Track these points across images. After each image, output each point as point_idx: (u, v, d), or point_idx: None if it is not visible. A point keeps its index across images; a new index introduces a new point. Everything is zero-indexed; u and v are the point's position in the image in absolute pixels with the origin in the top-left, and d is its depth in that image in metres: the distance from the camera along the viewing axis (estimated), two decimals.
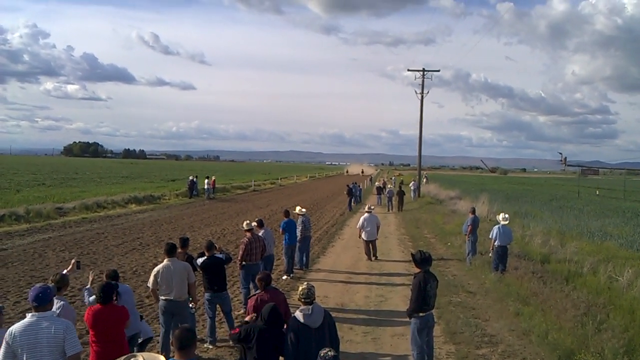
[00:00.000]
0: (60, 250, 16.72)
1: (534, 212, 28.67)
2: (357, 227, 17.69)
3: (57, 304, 6.17)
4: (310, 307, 5.77)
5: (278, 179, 72.12)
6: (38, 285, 4.98)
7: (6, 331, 4.74)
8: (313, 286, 5.97)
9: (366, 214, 17.59)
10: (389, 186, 39.44)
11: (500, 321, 10.26)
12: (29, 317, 4.76)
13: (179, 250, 9.34)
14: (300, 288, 5.93)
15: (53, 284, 6.26)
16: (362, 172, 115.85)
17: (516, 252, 16.37)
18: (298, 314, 5.75)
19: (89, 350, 6.07)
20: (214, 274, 8.81)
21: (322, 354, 4.59)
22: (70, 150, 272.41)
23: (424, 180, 59.60)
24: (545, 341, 8.68)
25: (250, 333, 5.73)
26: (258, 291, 7.00)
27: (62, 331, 4.74)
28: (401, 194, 35.55)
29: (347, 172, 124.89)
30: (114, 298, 6.16)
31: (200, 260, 8.78)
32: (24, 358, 4.63)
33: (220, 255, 9.12)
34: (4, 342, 4.67)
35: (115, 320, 5.90)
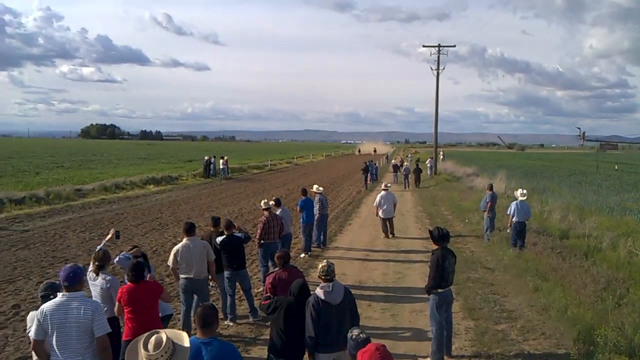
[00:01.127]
0: (81, 231, 16.97)
1: (553, 187, 28.51)
2: (374, 205, 17.70)
3: (105, 279, 6.35)
4: (331, 284, 5.81)
5: (294, 158, 72.26)
6: (69, 265, 5.05)
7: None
8: (333, 263, 6.01)
9: (383, 192, 17.58)
10: (405, 164, 39.37)
11: (519, 297, 10.27)
12: (59, 297, 4.84)
13: (212, 229, 9.49)
14: (320, 265, 5.96)
15: (97, 261, 6.41)
16: (375, 150, 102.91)
17: (535, 228, 16.32)
18: (319, 291, 5.79)
19: (124, 327, 6.18)
20: (233, 252, 8.90)
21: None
22: (88, 133, 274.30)
23: (441, 157, 59.28)
24: (565, 316, 8.68)
25: (279, 307, 5.83)
26: (277, 269, 7.06)
27: (90, 312, 4.82)
28: (418, 171, 35.48)
29: (359, 151, 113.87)
30: (146, 275, 6.32)
31: (219, 239, 8.85)
32: (54, 336, 4.72)
33: (239, 234, 9.20)
34: (35, 320, 4.77)
35: (149, 296, 6.02)
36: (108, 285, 6.31)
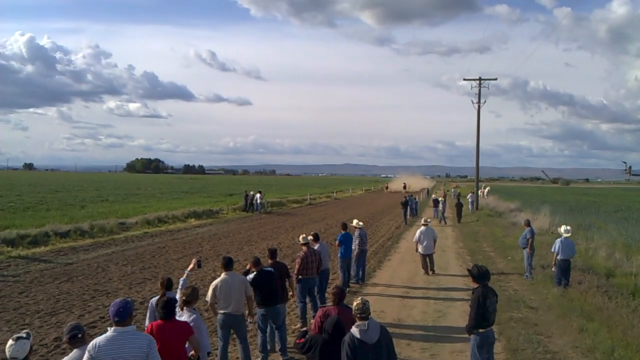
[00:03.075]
0: (123, 265, 17.24)
1: (598, 224, 27.73)
2: (414, 240, 17.48)
3: (190, 317, 6.49)
4: (366, 322, 5.71)
5: (333, 192, 72.28)
6: (118, 300, 5.08)
7: (87, 346, 4.85)
8: (368, 301, 5.92)
9: (423, 227, 17.38)
10: (440, 199, 39.06)
11: (563, 337, 9.94)
12: (111, 332, 4.85)
13: (270, 260, 9.57)
14: (355, 303, 5.87)
15: (184, 297, 6.58)
16: (405, 187, 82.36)
17: (580, 266, 15.89)
18: (354, 330, 5.70)
19: None
20: (264, 288, 8.78)
21: None
22: (133, 167, 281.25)
23: (486, 191, 58.36)
24: (611, 359, 8.36)
25: (315, 345, 5.75)
26: (329, 304, 6.97)
27: (146, 346, 4.86)
28: (459, 205, 35.04)
29: (387, 188, 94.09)
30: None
31: (249, 277, 8.76)
32: None
33: (269, 268, 9.16)
34: (86, 353, 4.74)
35: (178, 336, 5.95)
36: (192, 322, 6.41)
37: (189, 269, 7.77)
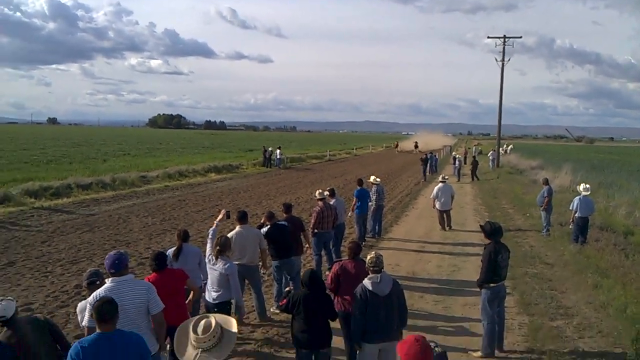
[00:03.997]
0: (144, 216, 17.55)
1: (620, 182, 27.37)
2: (431, 196, 17.48)
3: (225, 265, 6.80)
4: (379, 275, 5.80)
5: (353, 149, 72.13)
6: (112, 253, 5.16)
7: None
8: (381, 255, 5.99)
9: (440, 184, 17.34)
10: (457, 156, 38.65)
11: (577, 293, 9.96)
12: (109, 283, 4.94)
13: (285, 215, 9.68)
14: (368, 257, 5.95)
15: (217, 246, 6.86)
16: (416, 146, 72.96)
17: (598, 224, 15.76)
18: (366, 282, 5.79)
19: None
20: (278, 241, 8.86)
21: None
22: (155, 122, 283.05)
23: (509, 149, 57.75)
24: (624, 315, 8.38)
25: (297, 301, 5.83)
26: (345, 258, 7.06)
27: (145, 292, 4.98)
28: (475, 163, 34.73)
29: (397, 146, 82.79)
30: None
31: (263, 230, 8.86)
32: None
33: (283, 222, 9.26)
34: (88, 306, 4.86)
35: (173, 284, 6.05)
36: (226, 271, 6.75)
37: (218, 219, 7.88)
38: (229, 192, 24.75)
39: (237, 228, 8.29)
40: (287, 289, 7.04)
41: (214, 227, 7.59)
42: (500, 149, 48.53)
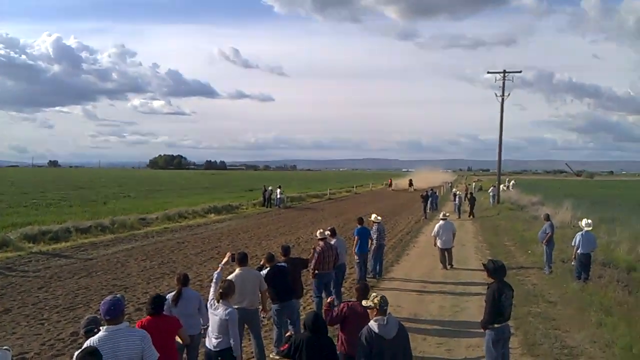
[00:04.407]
0: (142, 260, 17.39)
1: (621, 217, 27.23)
2: (432, 234, 17.37)
3: (226, 310, 6.60)
4: (385, 317, 5.71)
5: (353, 187, 72.08)
6: (108, 298, 5.07)
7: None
8: (385, 296, 5.90)
9: (441, 221, 17.24)
10: (457, 192, 38.57)
11: (581, 332, 9.79)
12: (103, 331, 4.84)
13: (283, 258, 9.58)
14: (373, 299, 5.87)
15: (221, 290, 6.72)
16: (410, 184, 71.32)
17: (600, 260, 15.65)
18: (372, 324, 5.69)
19: None
20: (278, 284, 8.75)
21: None
22: (156, 163, 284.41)
23: (510, 184, 57.65)
24: (630, 354, 8.22)
25: (299, 345, 5.69)
26: (353, 299, 6.95)
27: (139, 341, 4.86)
28: (472, 199, 34.65)
29: (390, 185, 77.51)
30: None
31: (263, 273, 8.74)
32: None
33: (283, 264, 9.16)
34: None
35: (166, 331, 5.95)
36: (227, 317, 6.56)
37: (222, 262, 7.88)
38: (229, 233, 24.62)
39: (237, 270, 8.17)
40: (287, 333, 6.92)
41: (218, 270, 7.53)
42: (503, 185, 48.52)
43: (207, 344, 6.92)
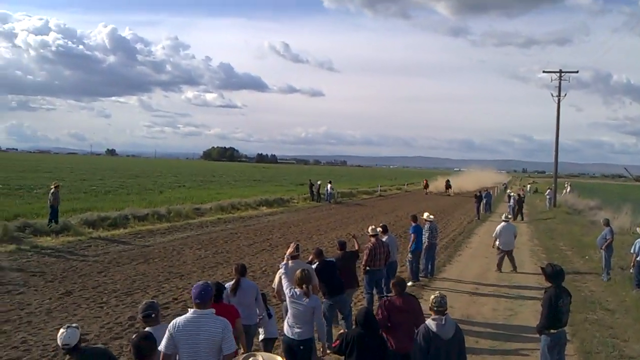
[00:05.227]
0: (197, 249, 17.77)
1: None
2: (493, 235, 17.06)
3: (309, 298, 6.59)
4: (444, 317, 5.70)
5: (404, 185, 71.57)
6: (200, 283, 5.23)
7: (167, 326, 5.03)
8: (445, 296, 5.88)
9: (503, 223, 16.91)
10: (512, 194, 37.75)
11: None
12: (190, 313, 4.98)
13: (339, 251, 9.91)
14: (432, 297, 5.87)
15: (301, 281, 6.64)
16: (448, 186, 60.79)
17: None
18: (430, 322, 5.69)
19: None
20: (329, 278, 8.80)
21: None
22: (209, 155, 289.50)
23: (568, 189, 56.12)
24: None
25: (350, 341, 5.70)
26: (392, 294, 6.95)
27: (221, 329, 4.95)
28: (520, 202, 33.88)
29: (426, 187, 62.39)
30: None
31: (313, 267, 8.77)
32: (184, 350, 4.87)
33: (331, 259, 9.22)
34: (167, 333, 4.90)
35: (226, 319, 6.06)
36: (312, 305, 6.59)
37: (288, 252, 8.01)
38: (280, 227, 24.86)
39: (290, 263, 8.25)
40: (340, 331, 6.93)
41: (284, 261, 7.63)
42: (565, 189, 47.33)
43: (287, 333, 6.83)
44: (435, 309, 5.74)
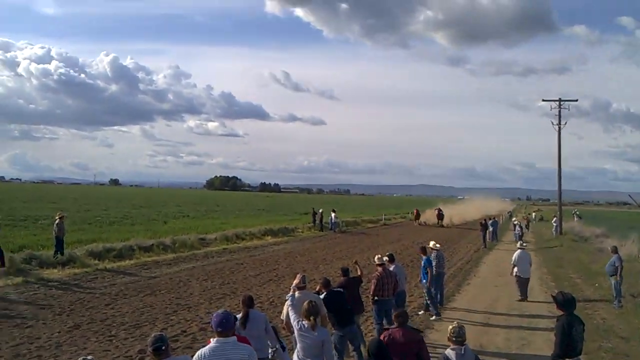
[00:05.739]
0: (203, 279, 17.66)
1: None
2: (511, 263, 16.90)
3: (317, 331, 6.56)
4: (463, 347, 5.65)
5: (408, 213, 71.25)
6: (220, 311, 5.22)
7: (179, 358, 5.07)
8: (463, 326, 5.83)
9: (519, 250, 16.88)
10: (517, 222, 37.59)
11: None
12: (214, 342, 5.00)
13: (342, 277, 10.04)
14: (450, 327, 5.84)
15: (310, 314, 6.60)
16: (439, 216, 53.95)
17: None
18: (450, 352, 5.66)
19: None
20: (338, 308, 8.70)
21: None
22: (212, 184, 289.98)
23: (575, 217, 55.84)
24: None
25: None
26: (393, 326, 6.87)
27: (247, 356, 4.98)
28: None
29: (417, 217, 55.84)
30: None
31: (321, 297, 8.69)
32: None
33: (339, 289, 9.14)
34: None
35: None
36: (322, 337, 6.55)
37: (294, 283, 7.99)
38: (286, 256, 24.74)
39: (297, 293, 8.17)
40: None
41: (291, 292, 7.58)
42: (574, 215, 47.12)
43: None
44: (454, 339, 5.70)
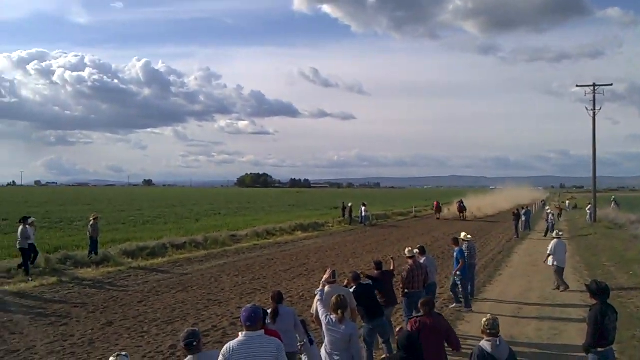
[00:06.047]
0: (234, 275, 17.85)
1: None
2: (548, 252, 16.70)
3: (345, 325, 6.62)
4: (498, 339, 5.63)
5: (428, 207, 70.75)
6: (249, 306, 5.26)
7: (209, 353, 5.13)
8: (497, 318, 5.81)
9: (555, 240, 16.68)
10: (550, 211, 37.03)
11: None
12: (242, 336, 5.05)
13: (375, 271, 10.01)
14: (484, 319, 5.82)
15: (339, 308, 6.62)
16: (461, 208, 48.49)
17: None
18: (485, 344, 5.63)
19: None
20: (368, 302, 8.74)
21: None
22: (243, 182, 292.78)
23: (613, 204, 54.76)
24: None
25: None
26: (420, 314, 6.87)
27: (275, 349, 5.01)
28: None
29: (437, 209, 50.93)
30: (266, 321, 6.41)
31: (350, 290, 8.72)
32: None
33: (368, 282, 9.16)
34: (220, 357, 4.97)
35: None
36: (350, 331, 6.57)
37: (324, 278, 8.03)
38: (316, 251, 24.84)
39: (327, 288, 8.20)
40: (382, 357, 6.86)
41: (320, 287, 7.62)
42: (612, 203, 46.35)
43: None
44: (488, 331, 5.67)
